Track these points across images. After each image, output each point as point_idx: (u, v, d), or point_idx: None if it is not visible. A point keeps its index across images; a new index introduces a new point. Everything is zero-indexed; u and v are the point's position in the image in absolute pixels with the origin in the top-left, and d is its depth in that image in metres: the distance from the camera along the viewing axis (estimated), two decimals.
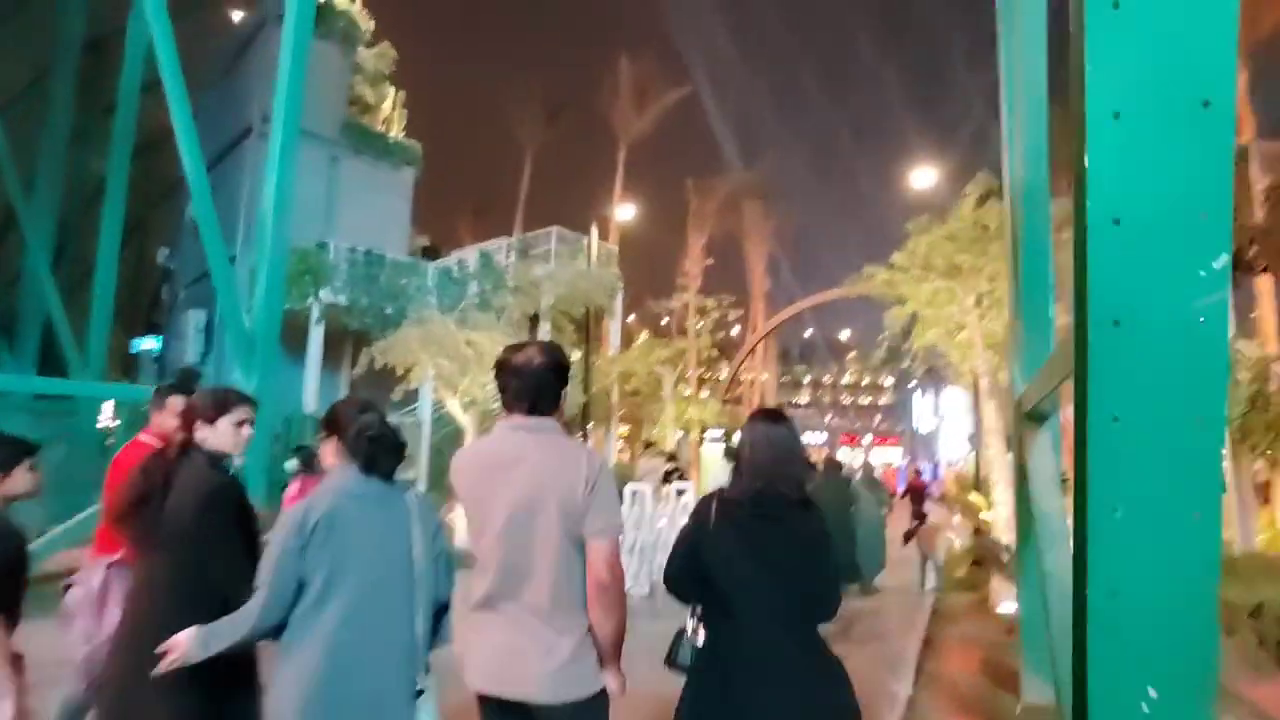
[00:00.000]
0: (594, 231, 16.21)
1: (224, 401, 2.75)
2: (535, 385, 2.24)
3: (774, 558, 2.26)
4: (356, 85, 19.71)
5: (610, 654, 2.15)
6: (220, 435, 2.70)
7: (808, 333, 63.57)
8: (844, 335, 68.14)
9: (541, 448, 2.18)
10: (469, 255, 18.28)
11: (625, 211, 24.36)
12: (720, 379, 21.95)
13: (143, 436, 3.38)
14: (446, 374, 12.18)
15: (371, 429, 2.27)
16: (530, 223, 20.17)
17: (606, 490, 2.16)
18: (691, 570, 2.33)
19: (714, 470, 20.56)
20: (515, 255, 17.87)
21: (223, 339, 14.50)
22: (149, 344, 19.62)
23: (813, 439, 67.33)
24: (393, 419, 2.67)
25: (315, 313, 15.24)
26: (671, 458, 13.79)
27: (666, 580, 2.44)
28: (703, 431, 20.02)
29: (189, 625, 2.12)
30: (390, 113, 20.53)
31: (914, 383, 72.52)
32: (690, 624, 2.42)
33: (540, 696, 2.04)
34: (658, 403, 19.29)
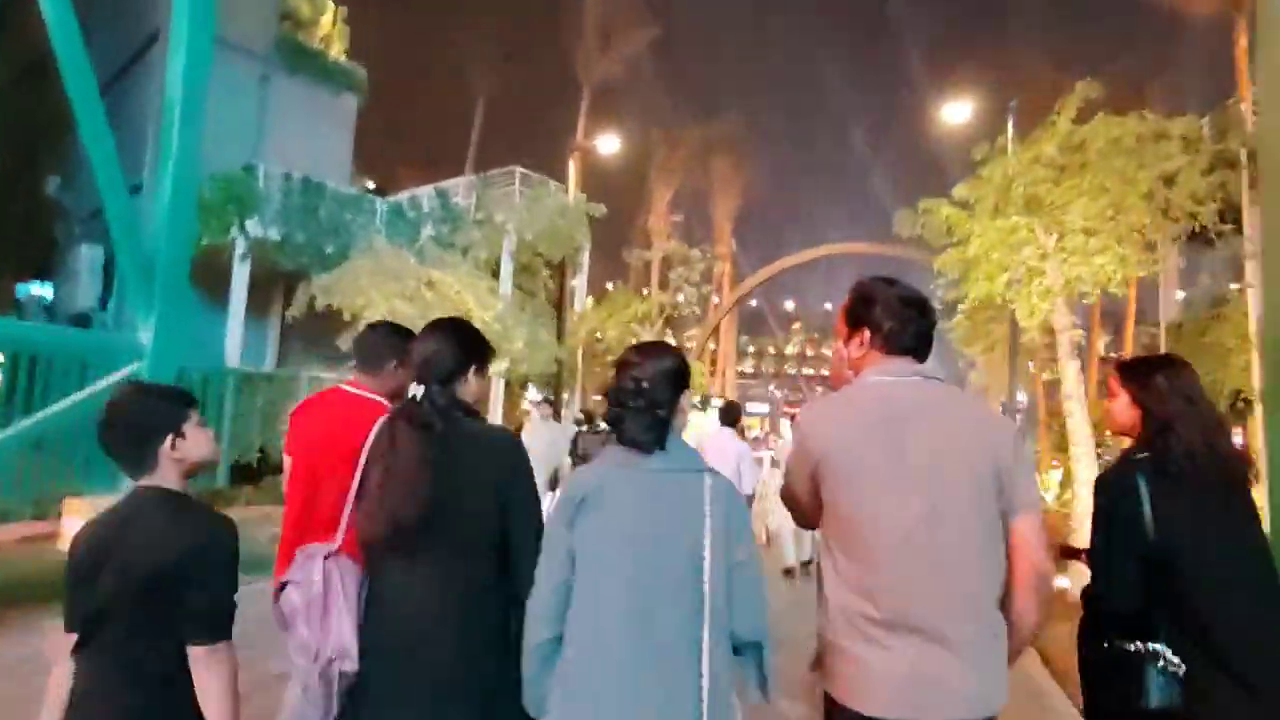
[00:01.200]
0: (571, 166, 13.94)
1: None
2: (928, 330, 1.78)
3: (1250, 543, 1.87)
4: None
5: (1015, 654, 1.65)
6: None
7: (752, 302, 62.39)
8: (789, 305, 67.40)
9: (948, 401, 1.70)
10: (421, 194, 15.76)
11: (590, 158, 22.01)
12: (687, 343, 20.05)
13: (349, 387, 2.41)
14: (404, 318, 9.87)
15: (624, 383, 1.70)
16: (484, 170, 17.73)
17: (1026, 453, 1.69)
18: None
19: (692, 440, 18.68)
20: (476, 194, 15.43)
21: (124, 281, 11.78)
22: (37, 290, 16.44)
23: (757, 409, 66.59)
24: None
25: (240, 248, 12.57)
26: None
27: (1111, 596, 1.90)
28: None
29: (476, 638, 1.74)
30: (330, 29, 17.64)
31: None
32: (1151, 647, 1.79)
33: (973, 713, 1.54)
34: None
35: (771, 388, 67.19)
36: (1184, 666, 1.76)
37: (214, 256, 12.39)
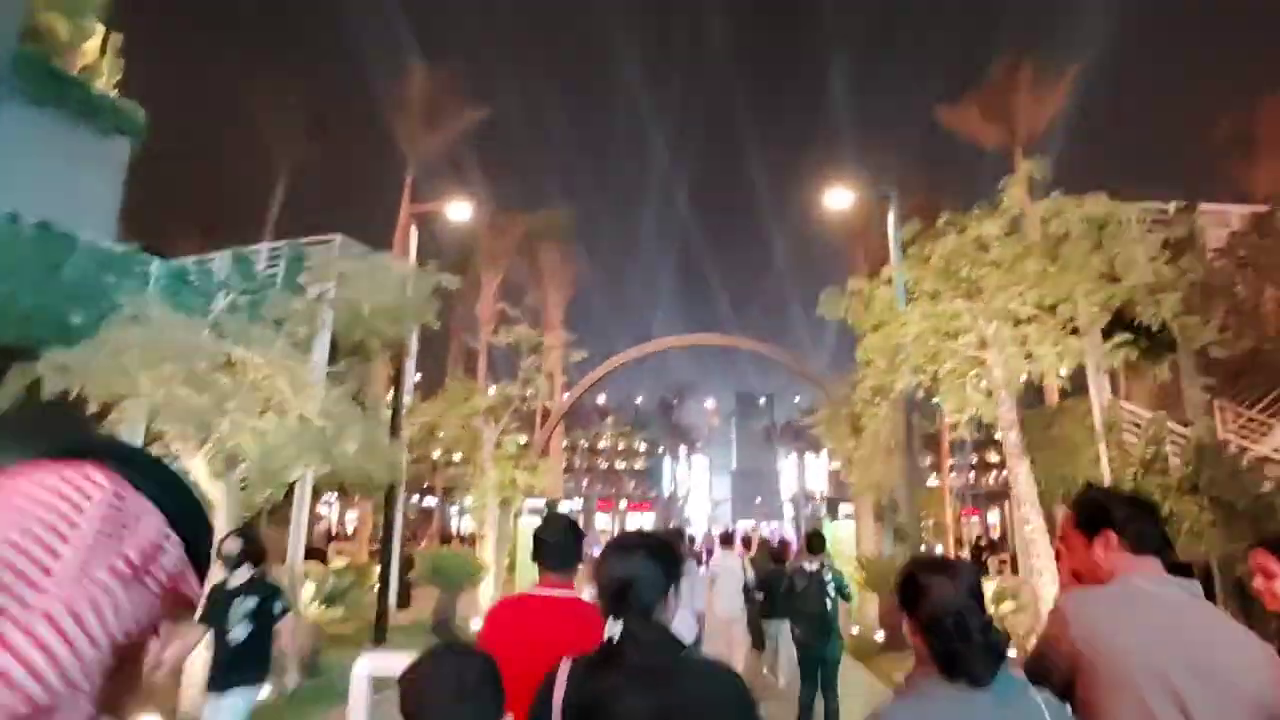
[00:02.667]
0: (414, 234, 11.60)
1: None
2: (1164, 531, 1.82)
3: None
4: (39, 10, 13.24)
5: None
6: None
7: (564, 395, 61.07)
8: (600, 398, 66.65)
9: (1218, 615, 1.76)
10: (215, 258, 12.53)
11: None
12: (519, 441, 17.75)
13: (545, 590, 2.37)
14: (190, 410, 6.92)
15: (947, 610, 1.47)
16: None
17: None
18: None
19: (529, 552, 16.12)
20: (289, 260, 12.51)
21: None
22: None
23: (571, 505, 64.01)
24: None
25: None
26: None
27: None
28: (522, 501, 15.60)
29: None
30: (96, 59, 14.15)
31: (661, 449, 73.12)
32: None
33: None
34: (472, 466, 14.63)
35: (585, 483, 65.22)
36: None
37: None
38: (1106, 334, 7.13)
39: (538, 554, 2.50)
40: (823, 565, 6.75)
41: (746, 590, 8.79)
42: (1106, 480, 12.45)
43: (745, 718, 1.59)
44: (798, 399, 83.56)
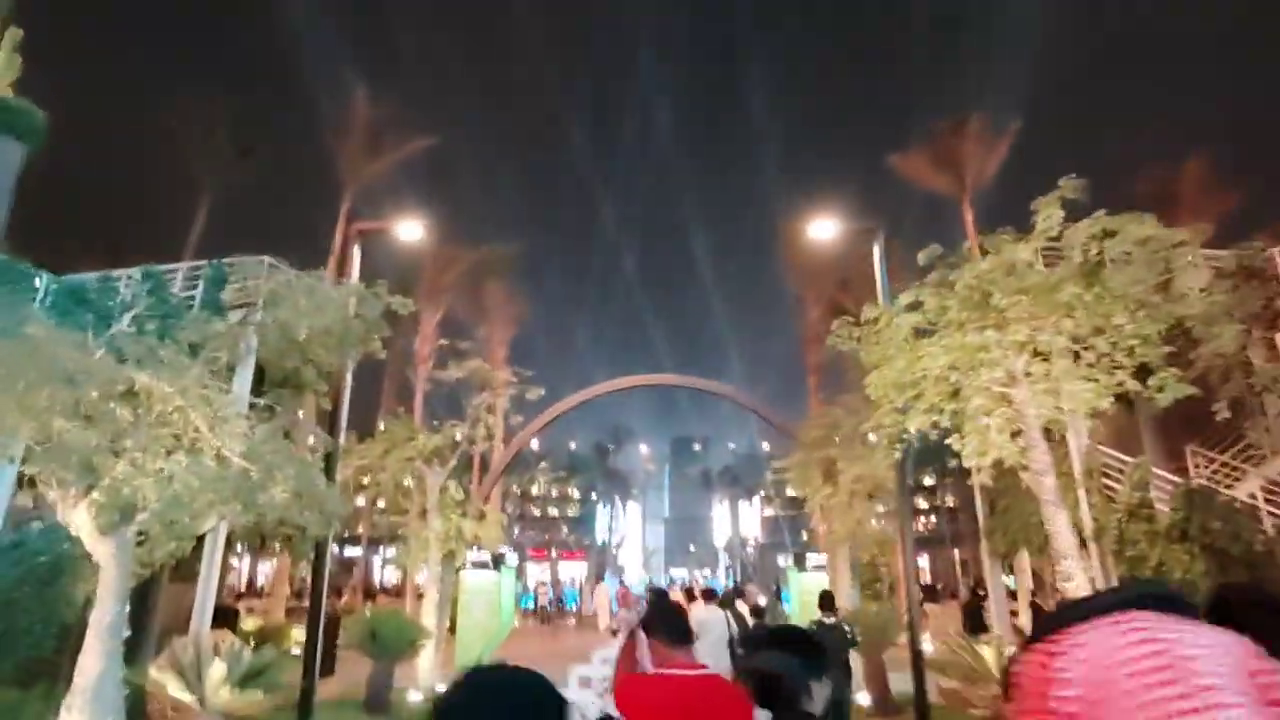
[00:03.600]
0: (356, 252, 10.21)
1: None
2: None
3: None
4: None
5: None
6: None
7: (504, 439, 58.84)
8: (534, 444, 64.57)
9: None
10: (120, 274, 10.84)
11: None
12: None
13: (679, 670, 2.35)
14: (69, 448, 5.40)
15: None
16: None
17: None
18: None
19: (473, 609, 14.52)
20: (205, 282, 10.92)
21: None
22: None
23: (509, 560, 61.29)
24: None
25: None
26: None
27: None
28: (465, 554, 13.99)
29: None
30: None
31: (595, 496, 71.14)
32: None
33: None
34: (411, 514, 13.05)
35: (517, 531, 62.58)
36: None
37: None
38: (1143, 371, 6.45)
39: (663, 631, 2.48)
40: (838, 619, 7.48)
41: (730, 644, 8.28)
42: (1088, 526, 11.96)
43: None
44: (733, 445, 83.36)
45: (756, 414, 16.82)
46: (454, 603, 15.06)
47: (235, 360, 8.95)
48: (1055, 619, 0.90)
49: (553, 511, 66.39)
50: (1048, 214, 6.37)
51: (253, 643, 13.89)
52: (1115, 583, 11.36)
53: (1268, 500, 10.86)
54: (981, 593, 23.42)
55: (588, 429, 70.26)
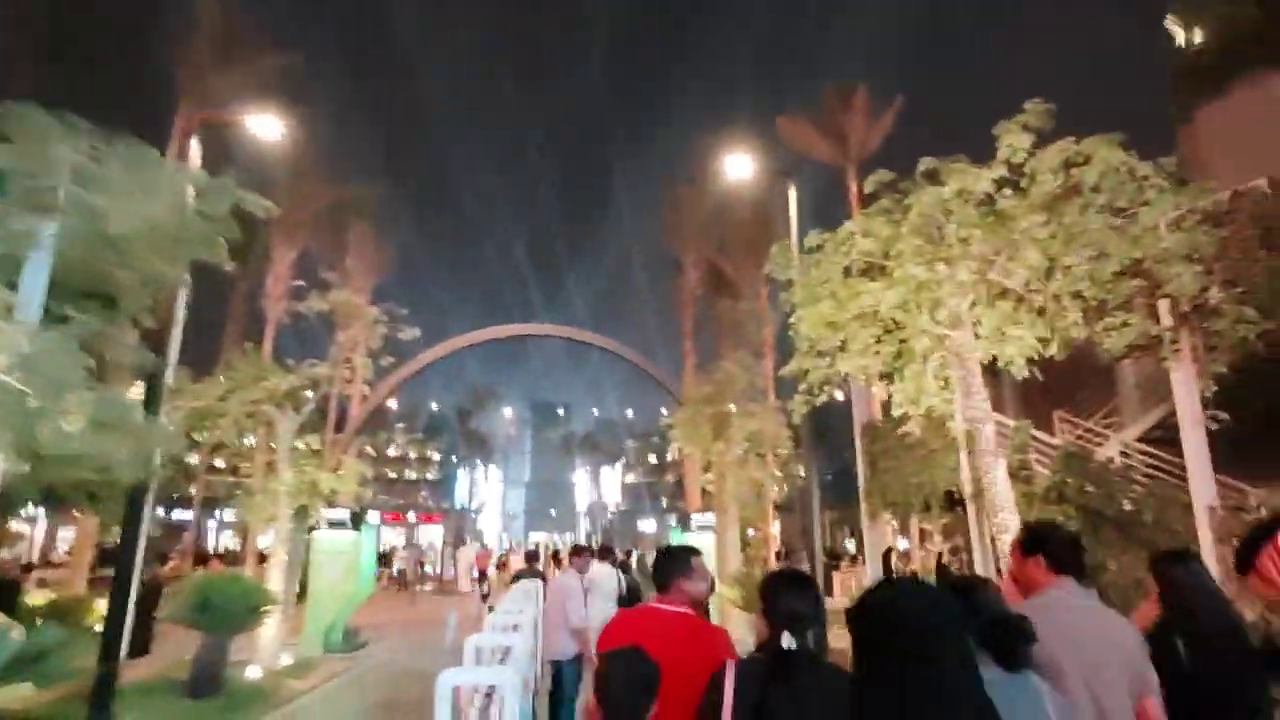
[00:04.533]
0: (195, 147, 8.15)
1: None
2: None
3: None
4: None
5: None
6: None
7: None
8: (392, 403, 60.99)
9: (1104, 614, 2.49)
10: None
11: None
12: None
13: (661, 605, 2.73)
14: None
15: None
16: None
17: None
18: None
19: (327, 572, 12.83)
20: None
21: None
22: None
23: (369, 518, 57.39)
24: None
25: None
26: None
27: None
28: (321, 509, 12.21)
29: None
30: None
31: (455, 459, 68.49)
32: None
33: None
34: (256, 466, 11.19)
35: (371, 493, 59.09)
36: None
37: None
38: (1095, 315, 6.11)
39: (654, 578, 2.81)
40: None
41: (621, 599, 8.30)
42: (968, 488, 12.14)
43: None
44: (596, 411, 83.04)
45: (647, 373, 16.03)
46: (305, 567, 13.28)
47: (21, 253, 6.85)
48: (1271, 527, 1.38)
49: (410, 474, 63.25)
50: (1010, 142, 5.83)
51: (39, 621, 11.45)
52: (990, 543, 11.61)
53: (1143, 464, 11.37)
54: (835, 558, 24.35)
55: (449, 391, 67.45)
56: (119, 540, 7.61)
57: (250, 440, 10.85)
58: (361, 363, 11.01)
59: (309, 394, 11.33)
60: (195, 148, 8.15)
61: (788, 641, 1.99)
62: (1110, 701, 2.19)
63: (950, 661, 1.41)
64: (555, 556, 24.60)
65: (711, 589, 9.25)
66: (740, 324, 18.88)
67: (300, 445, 11.14)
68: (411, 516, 59.37)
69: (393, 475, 61.79)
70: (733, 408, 11.89)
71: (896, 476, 13.29)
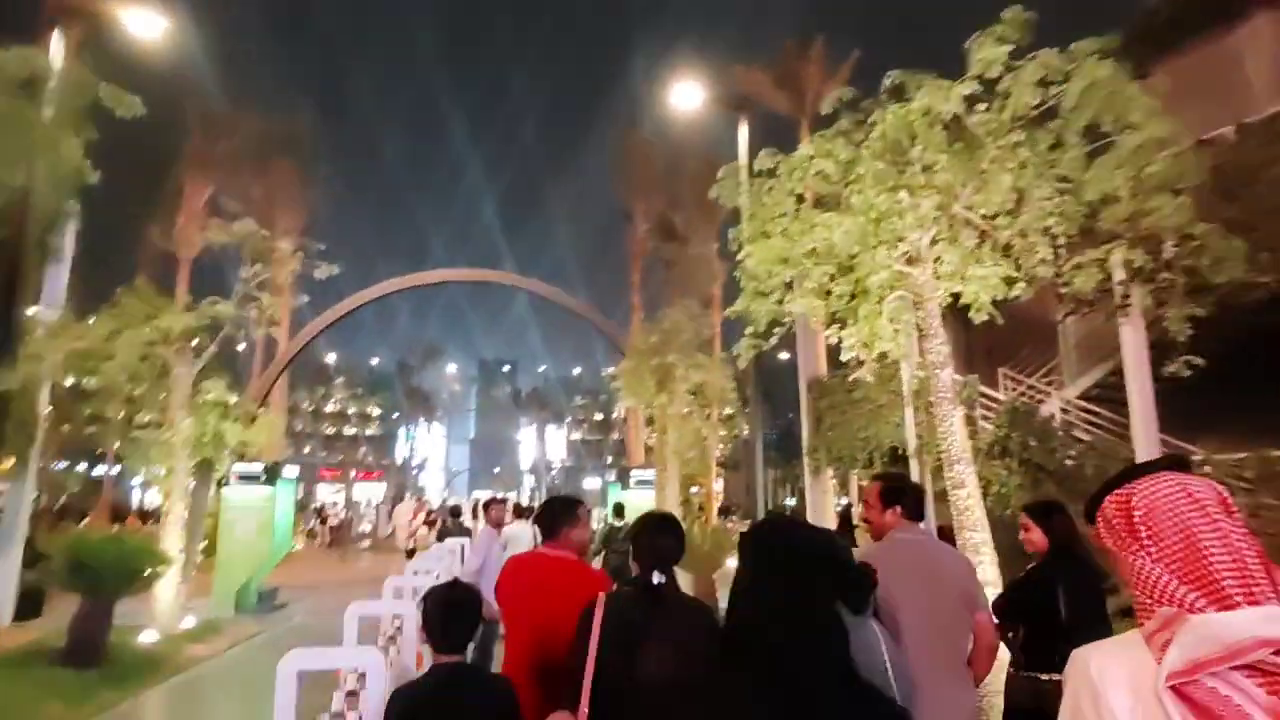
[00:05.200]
0: (56, 40, 6.89)
1: None
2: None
3: None
4: None
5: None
6: None
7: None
8: (330, 357, 58.82)
9: (940, 548, 2.98)
10: None
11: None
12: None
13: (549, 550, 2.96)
14: None
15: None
16: None
17: None
18: None
19: (239, 530, 11.89)
20: None
21: None
22: None
23: (288, 473, 55.27)
24: None
25: None
26: None
27: None
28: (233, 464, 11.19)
29: None
30: None
31: (397, 415, 66.75)
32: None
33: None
34: (155, 411, 10.12)
35: (307, 449, 57.07)
36: None
37: None
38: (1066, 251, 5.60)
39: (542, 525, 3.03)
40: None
41: None
42: (912, 444, 11.86)
43: (715, 633, 1.94)
44: (543, 367, 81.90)
45: (591, 322, 15.26)
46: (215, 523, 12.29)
47: None
48: (1117, 480, 1.25)
49: (350, 431, 61.38)
50: (984, 55, 5.19)
51: None
52: (931, 495, 11.40)
53: (1083, 421, 11.21)
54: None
55: (391, 346, 65.37)
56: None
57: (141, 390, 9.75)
58: (269, 302, 9.93)
59: (221, 325, 10.23)
60: (57, 39, 6.89)
61: (657, 578, 2.16)
62: (944, 619, 2.60)
63: (819, 588, 1.53)
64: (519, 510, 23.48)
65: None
66: (689, 274, 18.21)
67: (217, 388, 10.07)
68: (351, 473, 57.84)
69: (331, 431, 59.89)
70: (677, 359, 11.26)
71: (843, 432, 12.96)
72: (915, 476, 11.50)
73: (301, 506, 33.04)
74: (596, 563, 9.38)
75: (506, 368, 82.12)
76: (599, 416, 65.83)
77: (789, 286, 6.45)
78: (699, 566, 9.78)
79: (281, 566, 17.30)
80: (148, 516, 30.32)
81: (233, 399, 10.35)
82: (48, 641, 8.34)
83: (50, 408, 10.88)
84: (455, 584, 2.47)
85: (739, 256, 6.58)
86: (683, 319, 11.55)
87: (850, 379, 13.40)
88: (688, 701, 1.75)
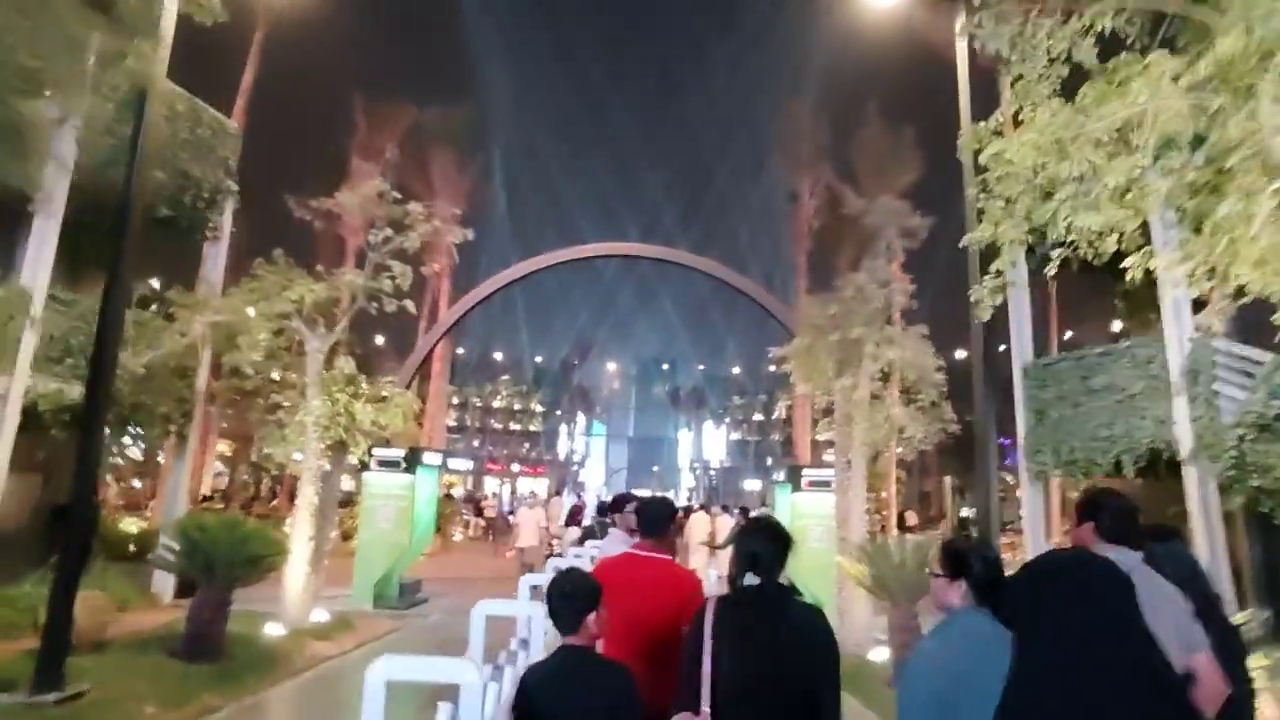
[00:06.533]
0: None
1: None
2: None
3: None
4: None
5: None
6: None
7: (459, 350, 54.50)
8: (497, 355, 61.03)
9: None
10: None
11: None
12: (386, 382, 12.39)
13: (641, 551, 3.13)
14: None
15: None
16: None
17: None
18: None
19: (377, 519, 11.27)
20: None
21: None
22: None
23: (459, 465, 57.66)
24: None
25: None
26: None
27: None
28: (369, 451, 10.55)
29: None
30: None
31: (559, 412, 68.13)
32: None
33: None
34: (288, 391, 9.58)
35: (476, 444, 59.48)
36: None
37: None
38: None
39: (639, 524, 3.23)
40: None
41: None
42: (1186, 444, 8.95)
43: (830, 638, 2.18)
44: (701, 367, 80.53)
45: (751, 299, 13.45)
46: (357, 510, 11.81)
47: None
48: None
49: (514, 426, 63.36)
50: None
51: (133, 549, 10.61)
52: (1219, 516, 8.46)
53: None
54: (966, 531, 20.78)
55: (551, 344, 66.96)
56: (75, 474, 5.99)
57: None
58: (400, 271, 9.06)
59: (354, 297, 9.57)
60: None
61: (749, 579, 2.19)
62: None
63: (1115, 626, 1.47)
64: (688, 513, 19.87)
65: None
66: (864, 250, 15.77)
67: (341, 365, 9.43)
68: (515, 467, 59.61)
69: (497, 426, 62.08)
70: (864, 333, 9.15)
71: (1076, 429, 10.15)
72: (1191, 491, 8.62)
73: (468, 499, 33.86)
74: None
75: (665, 366, 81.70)
76: (758, 417, 63.33)
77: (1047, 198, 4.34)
78: (897, 590, 7.65)
79: (431, 558, 17.00)
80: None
81: (361, 378, 9.62)
82: (176, 627, 7.85)
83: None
84: (571, 571, 2.47)
85: (980, 158, 4.57)
86: (870, 285, 9.40)
87: (1081, 359, 10.56)
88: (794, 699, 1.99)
